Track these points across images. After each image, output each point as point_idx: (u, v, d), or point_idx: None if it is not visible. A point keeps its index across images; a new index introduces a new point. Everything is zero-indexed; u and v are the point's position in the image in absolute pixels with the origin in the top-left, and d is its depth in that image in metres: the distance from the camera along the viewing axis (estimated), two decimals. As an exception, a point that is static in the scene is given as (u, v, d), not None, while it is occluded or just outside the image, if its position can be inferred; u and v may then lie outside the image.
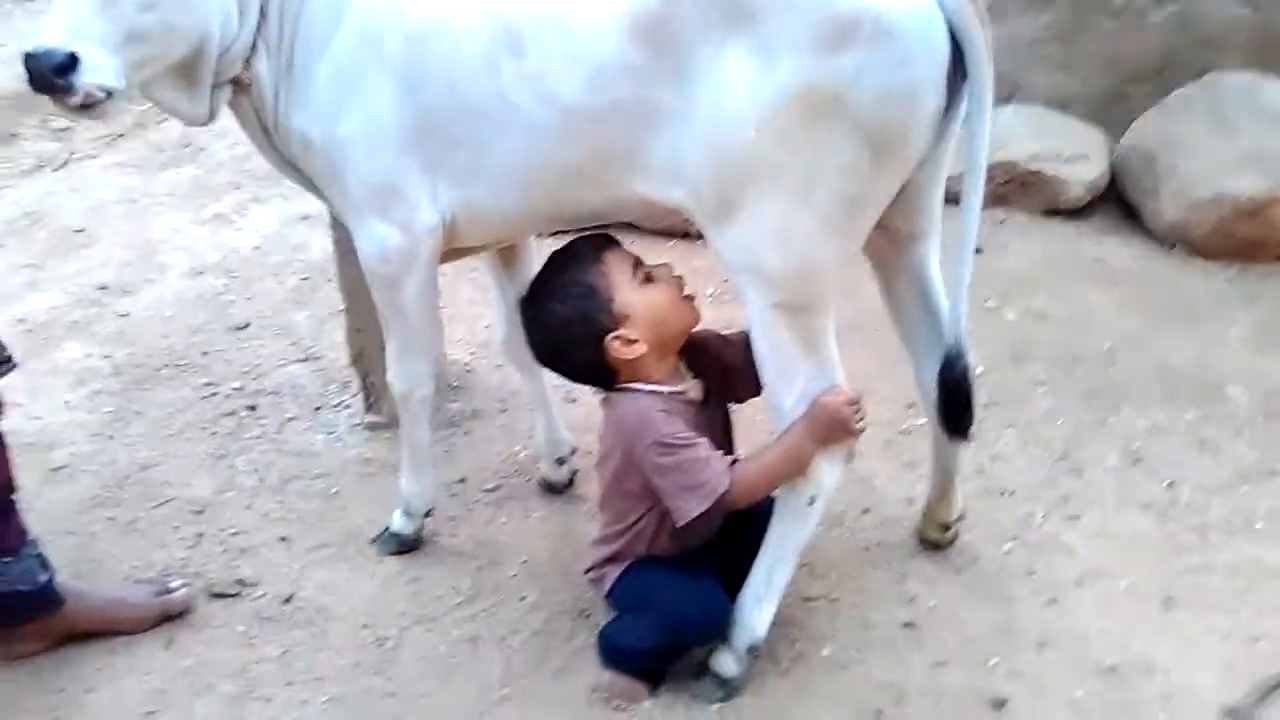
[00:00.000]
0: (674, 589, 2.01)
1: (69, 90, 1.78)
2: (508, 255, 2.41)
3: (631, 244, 2.11)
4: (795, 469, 1.94)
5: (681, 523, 1.93)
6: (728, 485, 1.89)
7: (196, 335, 3.51)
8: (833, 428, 1.91)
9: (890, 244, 2.01)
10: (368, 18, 1.95)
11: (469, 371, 3.21)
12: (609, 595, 2.10)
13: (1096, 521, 2.47)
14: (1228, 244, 3.59)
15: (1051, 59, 4.22)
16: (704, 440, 1.95)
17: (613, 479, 2.04)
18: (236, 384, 3.22)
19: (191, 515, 2.64)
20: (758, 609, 2.03)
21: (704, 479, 1.90)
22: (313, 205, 4.25)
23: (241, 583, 2.39)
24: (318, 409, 3.08)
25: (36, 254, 4.12)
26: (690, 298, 2.03)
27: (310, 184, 2.19)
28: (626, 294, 1.96)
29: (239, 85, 2.06)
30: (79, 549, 2.51)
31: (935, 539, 2.37)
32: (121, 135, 5.44)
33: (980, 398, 2.66)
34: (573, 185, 1.93)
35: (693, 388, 2.05)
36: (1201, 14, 4.07)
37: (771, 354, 1.88)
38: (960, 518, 2.36)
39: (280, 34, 2.02)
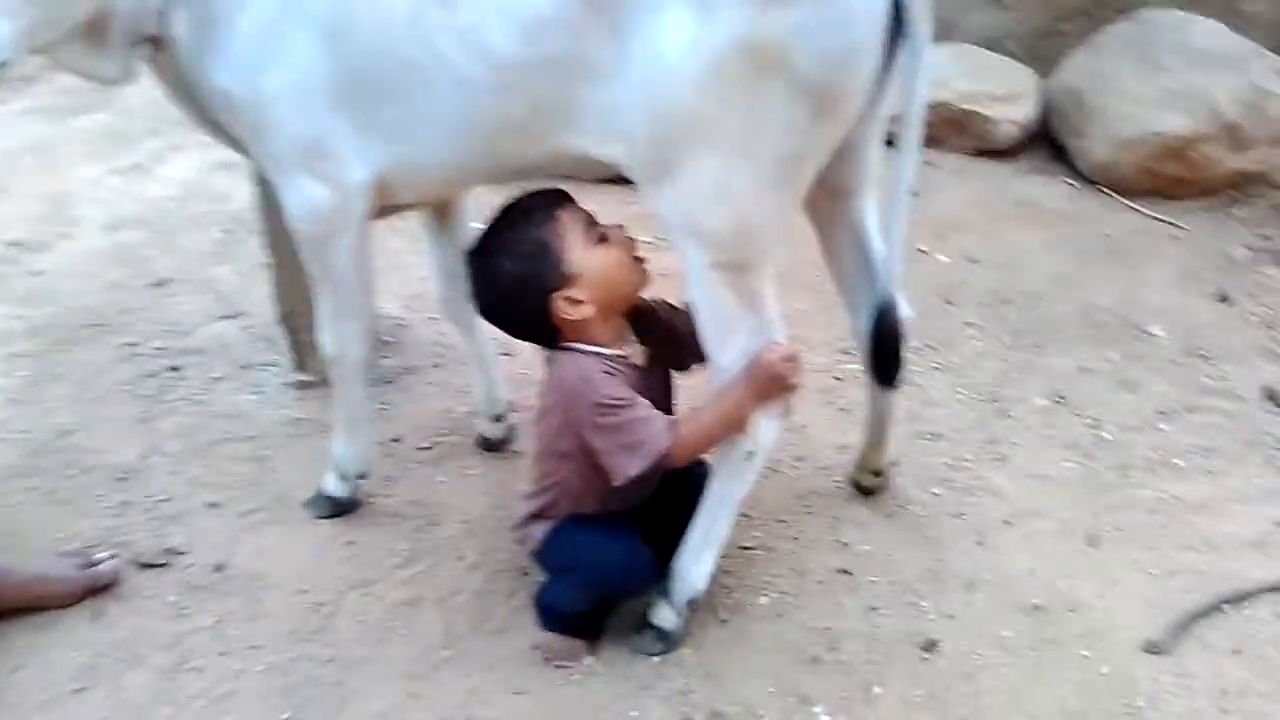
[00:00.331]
0: (598, 547, 2.01)
1: None
2: (442, 210, 2.36)
3: (565, 187, 2.08)
4: (734, 427, 1.94)
5: (619, 481, 1.92)
6: (668, 445, 1.89)
7: (115, 292, 3.39)
8: (770, 385, 1.91)
9: (827, 198, 1.99)
10: None
11: (402, 325, 3.15)
12: (535, 555, 2.10)
13: (1023, 462, 2.53)
14: (1153, 182, 3.67)
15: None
16: (644, 401, 1.93)
17: (549, 437, 2.02)
18: (159, 343, 3.12)
19: (116, 483, 2.57)
20: (696, 563, 2.04)
21: (643, 438, 1.89)
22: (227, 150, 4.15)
23: (171, 551, 2.34)
24: (245, 368, 3.00)
25: (-58, 210, 3.94)
26: (641, 259, 2.00)
27: (235, 142, 2.11)
28: (579, 254, 1.92)
29: (156, 43, 1.97)
30: (-2, 522, 2.45)
31: (868, 485, 2.40)
32: (30, 79, 5.22)
33: (912, 341, 2.73)
34: (506, 140, 1.87)
35: (636, 352, 2.03)
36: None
37: (711, 313, 1.87)
38: (893, 463, 2.40)
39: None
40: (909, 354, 2.60)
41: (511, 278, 1.94)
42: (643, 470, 1.89)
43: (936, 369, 2.87)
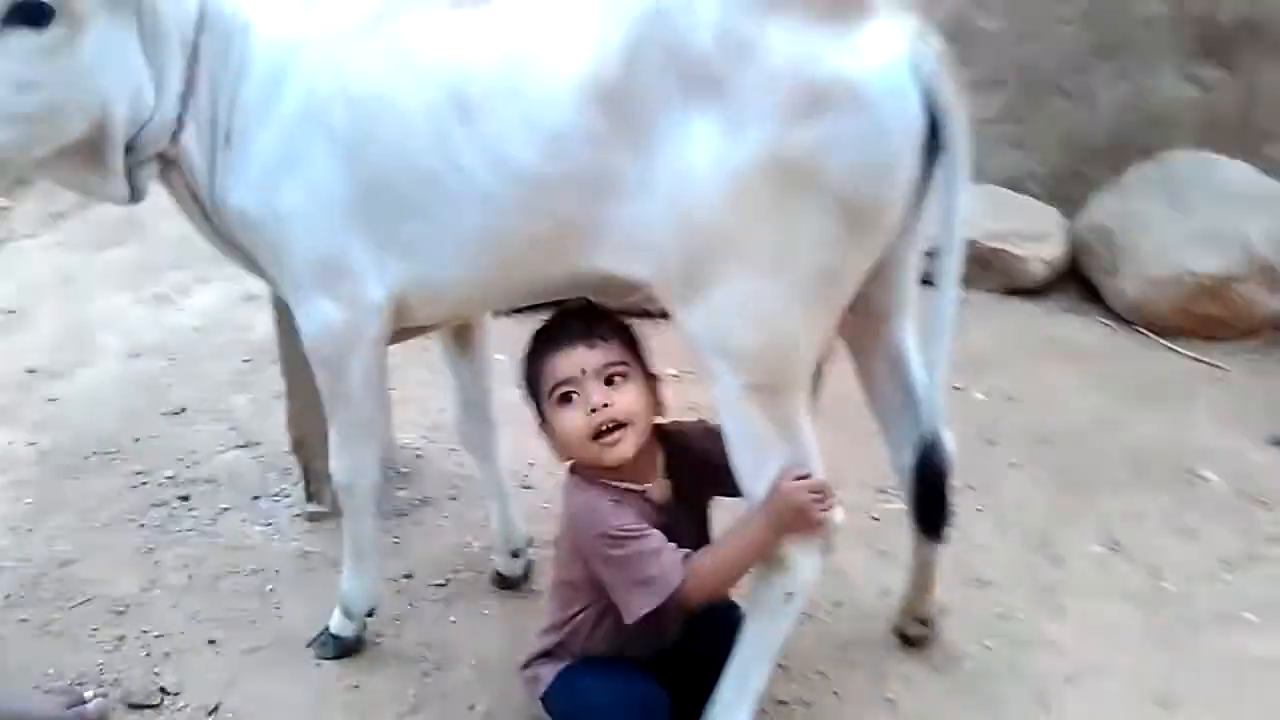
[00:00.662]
0: (607, 693, 1.84)
1: None
2: (462, 335, 2.29)
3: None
4: (754, 561, 1.80)
5: (631, 619, 1.77)
6: (681, 580, 1.74)
7: (130, 420, 3.31)
8: (794, 516, 1.77)
9: (864, 322, 1.90)
10: (310, 87, 1.84)
11: (419, 457, 3.05)
12: (543, 699, 1.93)
13: (1080, 614, 2.36)
14: (1190, 323, 3.58)
15: (1006, 139, 4.24)
16: (655, 533, 1.79)
17: (559, 564, 1.92)
18: (170, 472, 3.02)
19: (112, 615, 2.43)
20: (730, 718, 1.87)
21: (654, 573, 1.74)
22: (259, 284, 4.14)
23: (164, 691, 2.18)
24: (255, 498, 2.89)
25: (-38, 337, 3.92)
26: (606, 433, 1.79)
27: (250, 262, 2.06)
28: (547, 405, 1.85)
29: (166, 161, 1.94)
30: (-12, 654, 2.30)
31: (915, 634, 2.23)
32: (62, 214, 5.30)
33: (954, 482, 2.60)
34: (528, 258, 1.80)
35: (658, 487, 1.88)
36: (1152, 94, 4.13)
37: (743, 439, 1.76)
38: (941, 611, 2.24)
39: (213, 106, 1.90)
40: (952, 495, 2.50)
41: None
42: (654, 607, 1.74)
43: (980, 511, 2.72)
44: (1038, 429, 3.08)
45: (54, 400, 3.47)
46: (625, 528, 1.77)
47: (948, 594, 2.34)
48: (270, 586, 2.53)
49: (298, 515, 2.79)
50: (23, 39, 1.68)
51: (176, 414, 3.35)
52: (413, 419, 3.22)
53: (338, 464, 2.12)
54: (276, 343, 2.74)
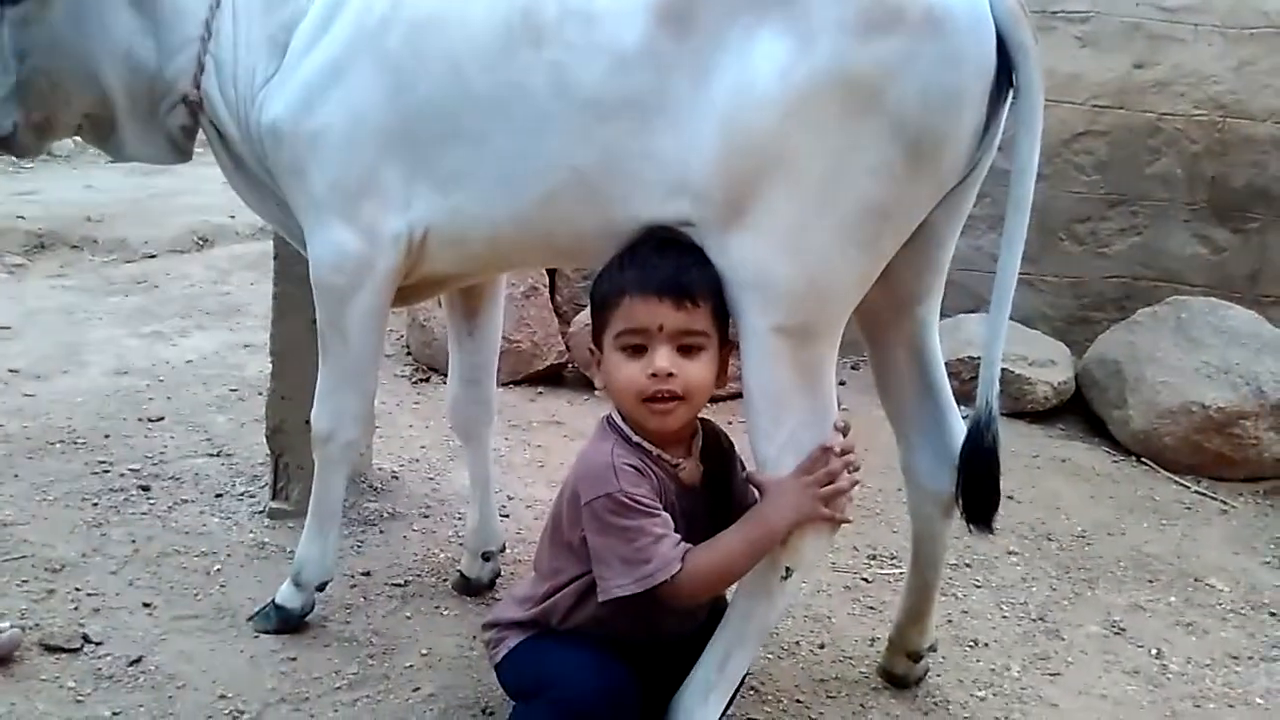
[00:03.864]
0: (572, 669, 1.65)
1: None
2: (470, 304, 2.22)
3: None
4: (756, 560, 1.64)
5: (603, 598, 1.60)
6: (672, 575, 1.57)
7: (103, 421, 3.21)
8: (804, 518, 1.63)
9: (889, 303, 1.83)
10: (367, 7, 1.85)
11: (395, 477, 2.92)
12: (498, 667, 1.75)
13: (1080, 681, 2.18)
14: (1197, 458, 3.50)
15: (1018, 278, 4.28)
16: (666, 516, 1.62)
17: (559, 523, 1.72)
18: (134, 465, 2.90)
19: (46, 573, 2.27)
20: (703, 702, 1.69)
21: (648, 556, 1.58)
22: (257, 335, 4.11)
23: (86, 639, 2.01)
24: (219, 496, 2.76)
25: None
26: (661, 399, 1.63)
27: (270, 205, 2.04)
28: (606, 340, 1.68)
29: (190, 105, 1.98)
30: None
31: (902, 672, 2.06)
32: (70, 262, 5.35)
33: (948, 556, 2.47)
34: (565, 200, 1.73)
35: (689, 466, 1.72)
36: (1162, 248, 4.20)
37: (764, 389, 1.64)
38: (932, 648, 2.07)
39: (236, 49, 1.95)
40: (945, 570, 2.35)
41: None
42: (631, 593, 1.57)
43: (978, 586, 2.58)
44: (1039, 527, 2.96)
45: (30, 395, 3.38)
46: (637, 497, 1.60)
47: (940, 651, 2.18)
48: (218, 567, 2.38)
49: (259, 512, 2.66)
50: (5, 12, 1.91)
51: (153, 421, 3.25)
52: (394, 451, 3.12)
53: (320, 410, 2.02)
54: (268, 380, 2.67)
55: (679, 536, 1.61)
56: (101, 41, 1.95)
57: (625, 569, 1.58)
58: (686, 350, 1.63)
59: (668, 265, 1.62)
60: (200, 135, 2.08)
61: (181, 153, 2.11)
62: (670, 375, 1.61)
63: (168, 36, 1.97)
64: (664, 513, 1.62)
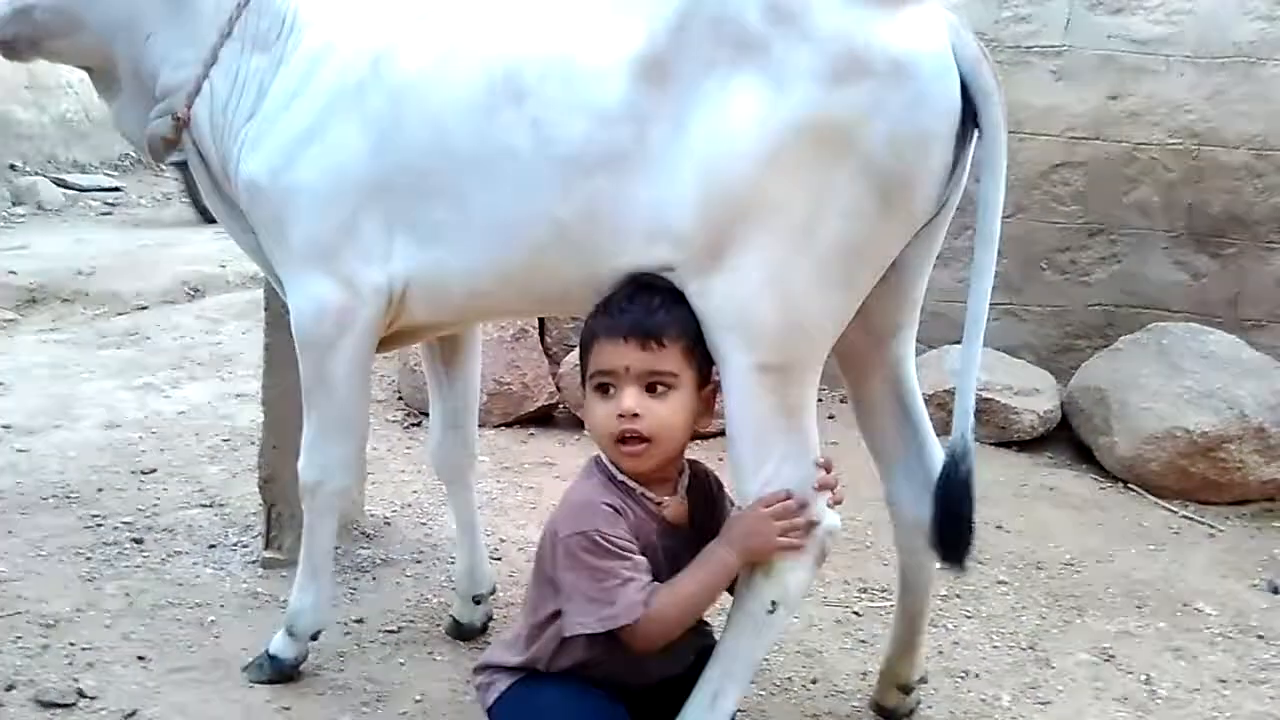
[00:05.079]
0: (566, 710, 1.67)
1: None
2: (449, 349, 2.26)
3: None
4: (718, 593, 1.69)
5: (567, 633, 1.64)
6: (634, 620, 1.60)
7: (96, 474, 3.23)
8: (759, 547, 1.67)
9: (867, 337, 1.87)
10: (346, 69, 1.89)
11: (387, 524, 2.94)
12: (490, 711, 1.76)
13: (1070, 709, 2.20)
14: (1184, 483, 3.53)
15: (1000, 307, 4.33)
16: (639, 560, 1.65)
17: (539, 557, 1.75)
18: (128, 518, 2.92)
19: (41, 628, 2.28)
20: (694, 738, 1.71)
21: (613, 599, 1.60)
22: (249, 384, 4.14)
23: (80, 694, 2.02)
24: (212, 547, 2.77)
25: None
26: (628, 440, 1.67)
27: (251, 238, 2.07)
28: (586, 386, 1.74)
29: (178, 122, 2.02)
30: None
31: (893, 705, 2.08)
32: (62, 315, 5.39)
33: (938, 587, 2.49)
34: (550, 251, 1.76)
35: (673, 505, 1.75)
36: (1142, 275, 4.26)
37: (746, 427, 1.68)
38: (923, 680, 2.09)
39: (234, 83, 1.98)
40: (936, 601, 2.38)
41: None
42: (590, 632, 1.62)
43: (968, 617, 2.60)
44: (1028, 556, 2.98)
45: (23, 451, 3.40)
46: (611, 537, 1.63)
47: (931, 683, 2.20)
48: (212, 618, 2.39)
49: (253, 562, 2.67)
50: None
51: (146, 473, 3.27)
52: (386, 497, 3.14)
53: (307, 461, 2.04)
54: (260, 430, 2.69)
55: (648, 580, 1.64)
56: (128, 11, 2.03)
57: (590, 607, 1.62)
58: (654, 390, 1.67)
59: (636, 309, 1.67)
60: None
61: (157, 158, 2.13)
62: (635, 415, 1.66)
63: (180, 48, 2.01)
64: (637, 556, 1.65)
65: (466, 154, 1.78)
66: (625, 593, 1.61)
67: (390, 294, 1.91)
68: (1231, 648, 2.54)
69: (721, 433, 1.73)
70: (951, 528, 1.75)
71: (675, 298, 1.68)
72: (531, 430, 3.85)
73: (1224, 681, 2.37)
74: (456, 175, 1.80)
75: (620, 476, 1.71)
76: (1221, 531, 3.34)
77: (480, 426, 2.41)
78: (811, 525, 1.71)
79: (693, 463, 1.83)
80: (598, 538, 1.63)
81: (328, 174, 1.89)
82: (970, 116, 1.64)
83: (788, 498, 1.68)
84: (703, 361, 1.70)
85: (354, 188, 1.88)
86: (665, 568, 1.68)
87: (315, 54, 1.94)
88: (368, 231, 1.89)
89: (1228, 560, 3.10)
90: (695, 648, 1.79)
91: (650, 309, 1.67)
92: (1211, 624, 2.66)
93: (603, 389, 1.69)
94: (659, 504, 1.73)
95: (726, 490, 1.84)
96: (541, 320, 4.11)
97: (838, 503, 1.75)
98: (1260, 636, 2.61)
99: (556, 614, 1.70)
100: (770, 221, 1.60)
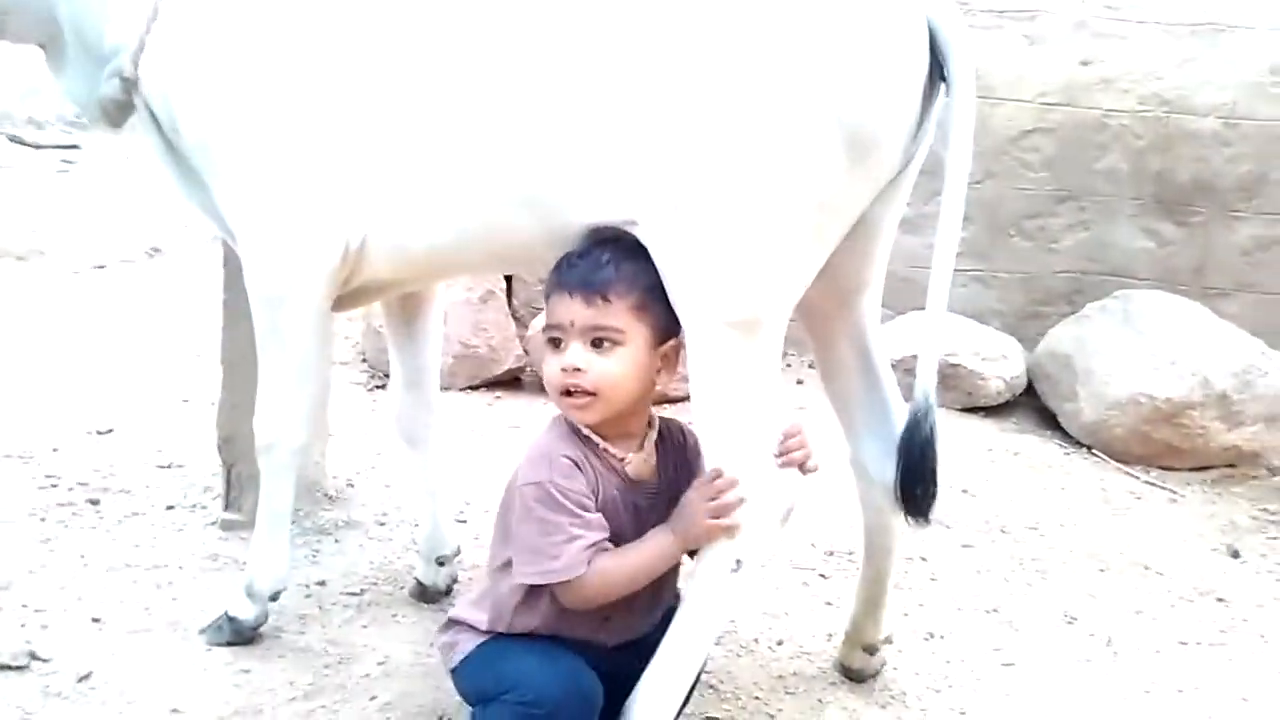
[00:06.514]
0: (532, 669, 1.64)
1: None
2: (409, 306, 2.21)
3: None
4: (659, 569, 1.66)
5: (515, 580, 1.65)
6: (574, 577, 1.59)
7: (51, 432, 3.15)
8: (700, 533, 1.65)
9: (832, 297, 1.85)
10: (309, 19, 1.83)
11: (350, 485, 2.90)
12: (454, 672, 1.74)
13: (1034, 672, 2.21)
14: (1147, 449, 3.56)
15: (968, 273, 4.33)
16: (591, 517, 1.62)
17: (501, 507, 1.72)
18: (83, 479, 2.85)
19: (-10, 590, 2.23)
20: (659, 699, 1.68)
21: (556, 553, 1.59)
22: (209, 344, 4.03)
23: (34, 656, 1.97)
24: (170, 508, 2.72)
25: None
26: (574, 393, 1.64)
27: (205, 197, 2.00)
28: (537, 334, 1.73)
29: (126, 83, 1.95)
30: None
31: (859, 666, 2.08)
32: (14, 280, 5.25)
33: (903, 550, 2.49)
34: (507, 207, 1.73)
35: (637, 462, 1.71)
36: (1110, 243, 4.27)
37: (710, 387, 1.65)
38: (888, 641, 2.09)
39: (183, 39, 1.91)
40: (901, 564, 2.38)
41: None
42: (530, 583, 1.62)
43: (933, 580, 2.61)
44: (993, 520, 3.00)
45: (-29, 409, 3.31)
46: (566, 491, 1.61)
47: (896, 644, 2.20)
48: (170, 580, 2.34)
49: (212, 524, 2.62)
50: None
51: (103, 433, 3.20)
52: (349, 459, 3.09)
53: (262, 418, 2.00)
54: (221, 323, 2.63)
55: (596, 539, 1.62)
56: None
57: (532, 558, 1.61)
58: (599, 345, 1.64)
59: (585, 264, 1.65)
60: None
61: (112, 123, 2.07)
62: (578, 370, 1.63)
63: (121, 3, 1.93)
64: (590, 514, 1.63)
65: (422, 106, 1.74)
66: (569, 549, 1.59)
67: (346, 245, 1.86)
68: (1192, 610, 2.57)
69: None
70: (915, 482, 1.74)
71: (631, 253, 1.65)
72: (498, 393, 3.80)
73: (1185, 644, 2.39)
74: (413, 131, 1.75)
75: (585, 431, 1.69)
76: (1183, 497, 3.38)
77: (446, 389, 2.37)
78: (742, 502, 1.66)
79: (667, 420, 1.80)
80: (551, 489, 1.61)
81: (283, 127, 1.83)
82: (937, 72, 1.62)
83: (718, 475, 1.66)
84: (661, 318, 1.67)
85: (310, 140, 1.82)
86: (629, 523, 1.67)
87: (263, 3, 1.88)
88: (324, 184, 1.84)
89: (1189, 525, 3.14)
90: (665, 607, 1.77)
91: (599, 264, 1.64)
92: (1173, 587, 2.69)
93: (554, 343, 1.68)
94: (621, 459, 1.70)
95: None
96: (509, 282, 4.05)
97: (813, 470, 1.73)
98: (1220, 600, 2.64)
99: (509, 562, 1.68)
100: (733, 174, 1.57)
